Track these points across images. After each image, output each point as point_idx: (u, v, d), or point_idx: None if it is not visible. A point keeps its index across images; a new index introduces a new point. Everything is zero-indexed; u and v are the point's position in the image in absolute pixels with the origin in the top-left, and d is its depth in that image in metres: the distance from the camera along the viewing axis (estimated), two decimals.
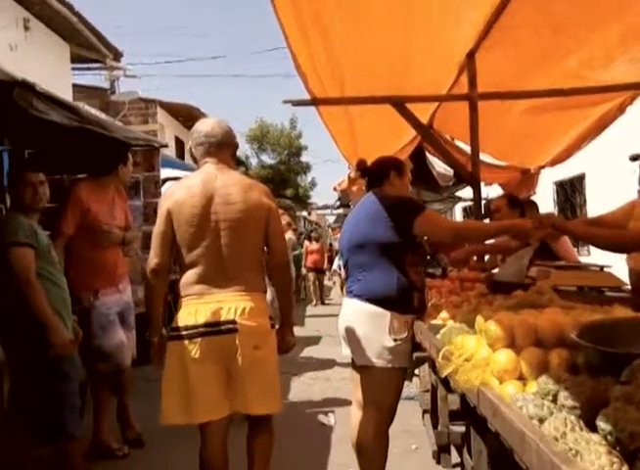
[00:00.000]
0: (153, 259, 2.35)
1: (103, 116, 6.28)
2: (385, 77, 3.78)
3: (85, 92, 11.52)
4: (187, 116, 14.52)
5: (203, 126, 2.50)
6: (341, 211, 19.29)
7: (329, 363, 5.98)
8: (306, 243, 13.47)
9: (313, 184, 25.39)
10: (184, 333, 2.29)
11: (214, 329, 2.27)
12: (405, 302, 2.58)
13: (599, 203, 8.36)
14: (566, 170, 8.23)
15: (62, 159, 4.04)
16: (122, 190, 3.86)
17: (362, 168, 2.86)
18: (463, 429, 2.71)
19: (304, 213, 27.21)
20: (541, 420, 1.15)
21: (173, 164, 8.19)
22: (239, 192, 2.37)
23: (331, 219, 28.52)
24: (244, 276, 2.36)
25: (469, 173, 3.91)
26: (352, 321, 2.63)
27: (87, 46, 9.31)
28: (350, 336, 2.64)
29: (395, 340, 2.52)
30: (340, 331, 2.76)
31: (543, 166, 5.75)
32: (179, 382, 2.29)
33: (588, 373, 1.29)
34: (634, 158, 2.72)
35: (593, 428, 1.05)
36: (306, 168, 24.29)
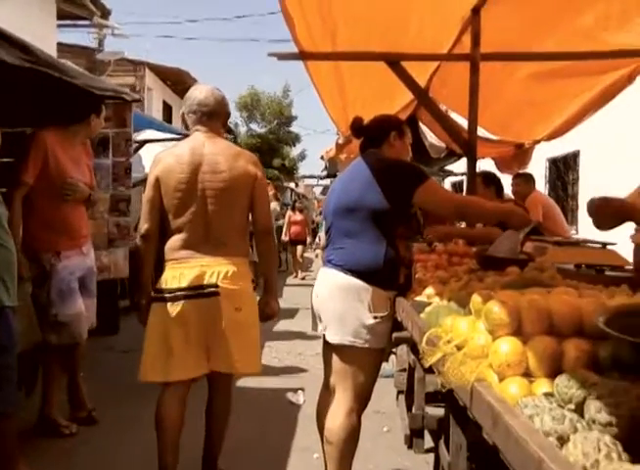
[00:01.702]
0: (143, 225, 2.43)
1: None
2: (380, 32, 3.47)
3: (71, 51, 11.00)
4: (176, 80, 14.09)
5: (197, 93, 2.52)
6: (328, 181, 19.00)
7: (304, 337, 5.69)
8: (289, 213, 12.67)
9: (302, 156, 24.88)
10: (167, 295, 2.36)
11: (197, 292, 2.35)
12: (391, 277, 2.33)
13: (592, 181, 8.19)
14: (560, 147, 8.01)
15: (23, 109, 3.67)
16: (88, 145, 3.51)
17: (358, 127, 2.54)
18: (440, 412, 2.51)
19: (292, 185, 26.80)
20: (561, 438, 0.87)
21: (158, 127, 7.77)
22: (226, 160, 2.42)
23: (318, 191, 28.20)
24: (228, 242, 2.42)
25: (465, 142, 3.62)
26: (328, 293, 2.35)
27: (74, 2, 8.77)
28: (325, 310, 2.36)
29: (375, 317, 2.26)
30: (313, 304, 2.49)
31: (539, 141, 5.50)
32: (160, 342, 2.37)
33: (617, 371, 1.04)
34: None
35: (638, 455, 0.79)
36: (296, 139, 23.75)
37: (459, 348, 1.28)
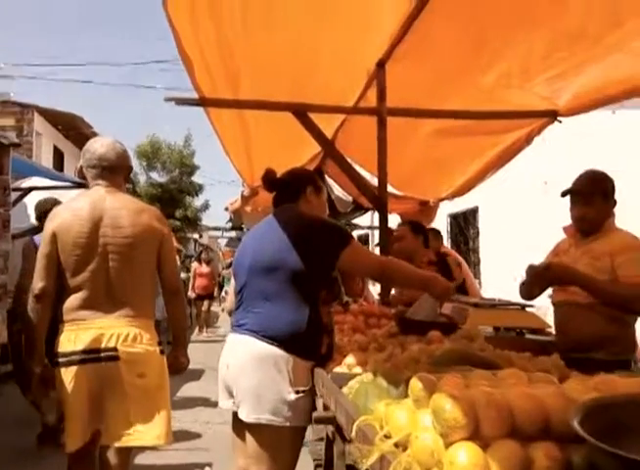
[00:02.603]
0: (37, 283, 2.27)
1: None
2: (287, 81, 3.33)
3: None
4: (69, 126, 13.36)
5: (97, 146, 2.42)
6: (233, 233, 18.61)
7: (210, 403, 5.26)
8: (195, 265, 11.96)
9: (206, 206, 24.31)
10: (61, 360, 2.23)
11: (93, 356, 2.21)
12: (313, 345, 2.09)
13: (491, 235, 8.53)
14: (460, 203, 8.28)
15: None
16: None
17: (271, 180, 2.33)
18: None
19: (195, 236, 26.04)
20: None
21: (47, 174, 7.14)
22: (128, 215, 2.32)
23: (223, 243, 27.62)
24: (131, 302, 2.30)
25: (375, 197, 3.51)
26: (242, 364, 2.07)
27: None
28: (237, 384, 2.08)
29: (297, 391, 2.00)
30: (221, 376, 2.19)
31: (443, 199, 5.59)
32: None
33: None
34: (564, 193, 2.45)
35: None
36: (199, 189, 23.25)
37: (398, 445, 1.05)
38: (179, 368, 2.52)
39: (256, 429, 2.03)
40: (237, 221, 11.82)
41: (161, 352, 2.36)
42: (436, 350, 1.74)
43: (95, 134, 13.87)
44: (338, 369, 1.96)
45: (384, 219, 3.49)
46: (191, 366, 2.60)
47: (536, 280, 2.34)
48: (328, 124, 3.80)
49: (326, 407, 1.89)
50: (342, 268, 2.28)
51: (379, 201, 3.46)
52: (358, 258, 2.17)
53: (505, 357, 1.62)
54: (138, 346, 2.26)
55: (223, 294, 14.79)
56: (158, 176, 22.23)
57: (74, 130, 13.54)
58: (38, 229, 4.15)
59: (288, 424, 2.00)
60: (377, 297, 7.03)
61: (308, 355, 2.06)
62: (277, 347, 2.01)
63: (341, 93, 3.61)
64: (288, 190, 2.31)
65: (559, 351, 1.76)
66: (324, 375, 1.92)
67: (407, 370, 1.51)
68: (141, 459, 2.49)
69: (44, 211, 4.15)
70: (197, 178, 23.03)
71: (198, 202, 23.28)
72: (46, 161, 12.38)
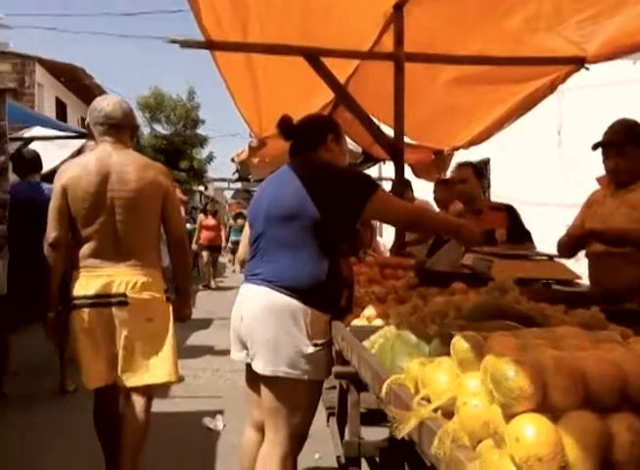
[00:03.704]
0: (50, 234, 2.39)
1: None
2: (299, 23, 3.13)
3: None
4: (71, 77, 13.01)
5: (104, 105, 2.47)
6: (239, 185, 18.40)
7: (220, 352, 5.24)
8: (201, 217, 11.63)
9: (210, 158, 24.01)
10: (75, 303, 2.36)
11: (104, 300, 2.34)
12: (332, 298, 1.99)
13: (502, 187, 8.35)
14: (471, 155, 8.12)
15: None
16: None
17: (287, 127, 2.17)
18: (378, 437, 2.22)
19: (201, 188, 25.83)
20: None
21: (47, 123, 6.95)
22: (135, 171, 2.40)
23: (229, 195, 27.44)
24: (138, 252, 2.41)
25: (391, 145, 3.36)
26: (257, 315, 1.97)
27: None
28: (252, 335, 1.98)
29: (316, 344, 1.92)
30: (233, 328, 2.10)
31: (458, 148, 5.40)
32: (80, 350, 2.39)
33: None
34: (595, 146, 2.34)
35: None
36: (203, 141, 22.90)
37: (442, 411, 0.94)
38: (183, 317, 2.63)
39: (273, 382, 1.96)
40: (244, 173, 11.64)
41: (167, 298, 2.50)
42: (463, 302, 1.65)
43: (96, 85, 13.58)
44: (357, 322, 1.86)
45: (400, 169, 3.35)
46: (199, 316, 2.73)
47: (579, 243, 2.31)
48: (340, 73, 3.60)
49: (344, 360, 1.82)
50: (369, 218, 2.21)
51: (395, 150, 3.31)
52: (386, 206, 2.05)
53: (538, 311, 1.51)
54: (145, 293, 2.38)
55: (230, 245, 14.71)
56: (162, 129, 21.88)
57: (76, 82, 13.21)
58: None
59: (305, 377, 1.93)
60: (382, 246, 6.98)
61: (327, 308, 1.97)
62: (294, 298, 1.92)
63: (355, 37, 3.40)
64: (307, 138, 2.15)
65: (591, 302, 1.67)
66: (343, 328, 1.82)
67: (434, 325, 1.43)
68: (154, 407, 2.58)
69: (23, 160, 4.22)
70: (201, 131, 22.65)
71: (203, 153, 23.01)
72: (49, 111, 12.09)
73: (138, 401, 2.46)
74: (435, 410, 0.96)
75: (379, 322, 1.80)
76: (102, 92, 14.12)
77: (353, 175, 2.08)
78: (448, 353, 1.04)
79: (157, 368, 2.42)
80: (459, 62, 3.47)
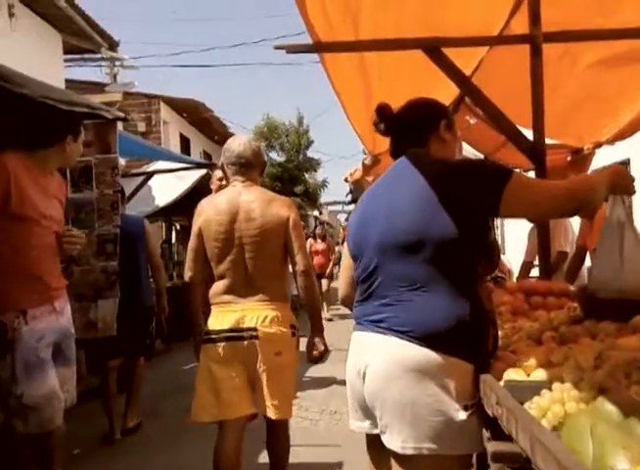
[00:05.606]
0: (187, 273, 2.62)
1: None
2: (415, 14, 2.79)
3: (83, 87, 10.48)
4: (192, 111, 13.65)
5: (235, 146, 2.64)
6: (352, 207, 18.28)
7: (338, 389, 4.92)
8: (310, 241, 10.85)
9: (324, 184, 24.26)
10: (212, 337, 2.51)
11: (237, 334, 2.47)
12: (478, 341, 1.56)
13: None
14: (608, 156, 7.26)
15: None
16: (58, 175, 2.84)
17: (388, 116, 1.78)
18: None
19: (315, 213, 26.11)
20: None
21: (173, 157, 7.22)
22: (259, 207, 2.53)
23: (342, 218, 27.52)
24: (266, 287, 2.52)
25: (530, 145, 2.87)
26: (387, 376, 1.57)
27: (79, 34, 8.32)
28: (382, 401, 1.59)
29: (466, 407, 1.50)
30: (352, 389, 1.72)
31: (601, 144, 4.70)
32: (208, 383, 2.50)
33: None
34: None
35: None
36: (316, 164, 23.18)
37: None
38: (317, 355, 2.66)
39: (412, 460, 1.54)
40: (357, 193, 11.40)
41: (293, 334, 2.56)
42: None
43: (215, 117, 14.15)
44: (512, 374, 1.43)
45: (542, 176, 2.79)
46: None
47: None
48: (465, 63, 3.19)
49: (494, 427, 1.35)
50: (510, 214, 1.80)
51: (536, 153, 2.80)
52: (529, 192, 1.56)
53: None
54: (274, 327, 2.48)
55: (336, 270, 14.37)
56: (277, 156, 22.50)
57: (196, 115, 13.85)
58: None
59: (455, 452, 1.52)
60: (508, 264, 6.24)
61: (473, 356, 1.54)
62: (433, 350, 1.51)
63: (480, 23, 3.00)
64: (413, 129, 1.76)
65: None
66: (497, 385, 1.38)
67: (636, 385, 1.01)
68: (266, 458, 2.64)
69: None
70: (312, 154, 23.01)
71: (317, 177, 23.34)
72: (174, 147, 12.72)
73: (278, 428, 2.62)
74: None
75: (540, 375, 1.39)
76: (220, 124, 14.72)
77: (478, 167, 1.67)
78: None
79: (279, 403, 2.50)
80: (605, 37, 2.93)
